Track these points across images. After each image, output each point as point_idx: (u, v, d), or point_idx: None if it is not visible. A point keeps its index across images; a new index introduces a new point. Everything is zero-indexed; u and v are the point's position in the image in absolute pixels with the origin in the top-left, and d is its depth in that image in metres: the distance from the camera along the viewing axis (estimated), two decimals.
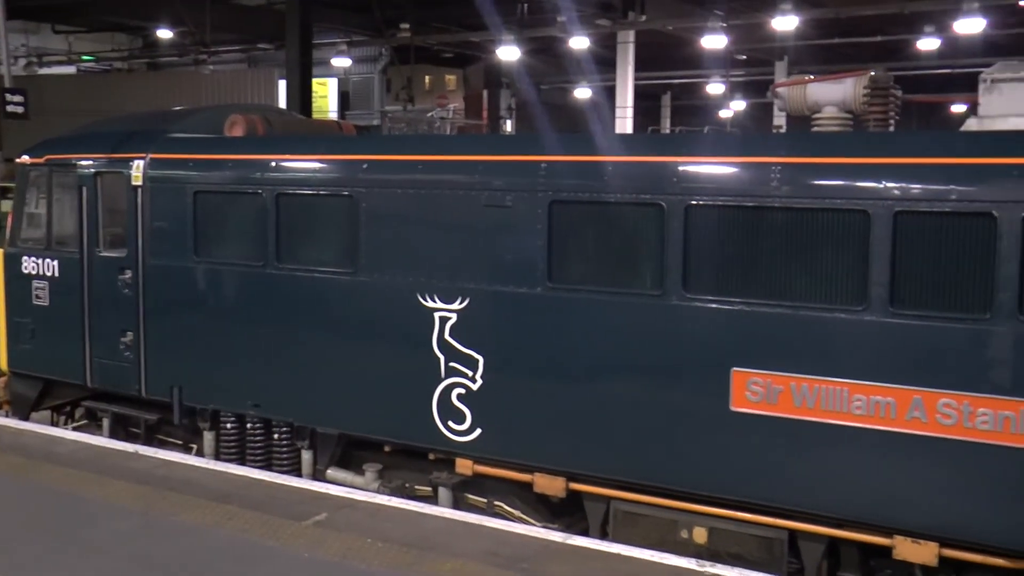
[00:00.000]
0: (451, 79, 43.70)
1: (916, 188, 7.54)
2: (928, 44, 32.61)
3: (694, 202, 8.27)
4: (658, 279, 8.45)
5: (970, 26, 25.31)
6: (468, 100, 44.34)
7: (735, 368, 8.10)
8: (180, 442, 11.81)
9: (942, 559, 7.62)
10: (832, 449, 7.82)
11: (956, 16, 25.59)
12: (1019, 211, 7.16)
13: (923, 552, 7.61)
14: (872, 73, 8.88)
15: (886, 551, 7.84)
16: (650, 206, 8.48)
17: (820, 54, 35.95)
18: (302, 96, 27.81)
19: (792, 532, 8.20)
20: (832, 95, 9.17)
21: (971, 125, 8.21)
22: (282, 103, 30.52)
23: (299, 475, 10.60)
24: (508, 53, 32.66)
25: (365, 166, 10.01)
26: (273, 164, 10.60)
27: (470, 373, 9.31)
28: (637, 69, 35.17)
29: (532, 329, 9.01)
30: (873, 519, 7.80)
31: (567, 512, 9.41)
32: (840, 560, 8.27)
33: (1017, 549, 7.35)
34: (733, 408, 8.12)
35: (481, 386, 9.26)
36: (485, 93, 44.56)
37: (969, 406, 7.34)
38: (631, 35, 33.72)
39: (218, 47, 34.30)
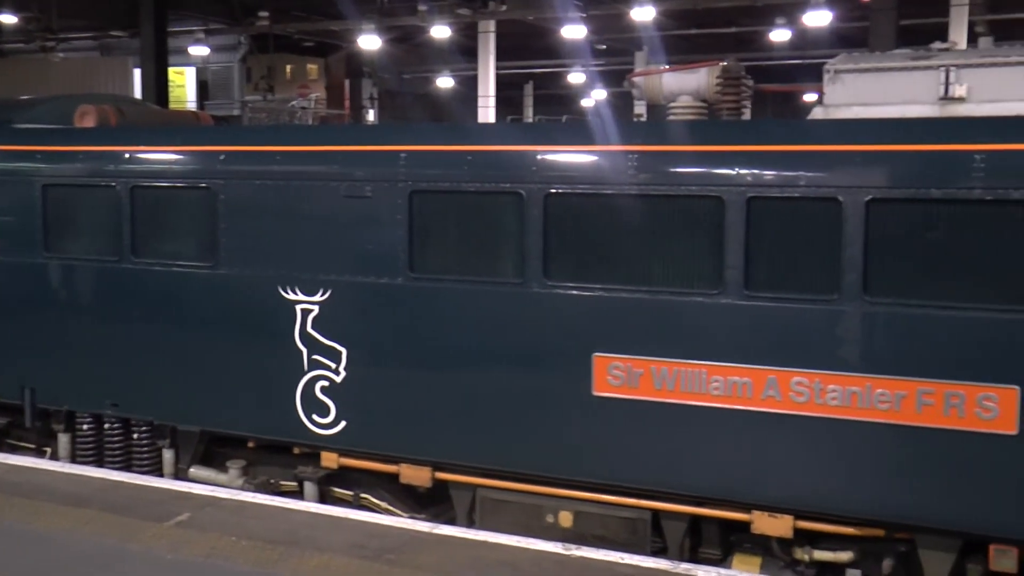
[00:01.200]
0: (313, 68, 43.03)
1: (767, 175, 7.78)
2: (780, 35, 33.62)
3: (553, 190, 8.36)
4: (519, 267, 8.52)
5: (818, 18, 26.24)
6: (330, 90, 43.77)
7: (596, 353, 8.23)
8: (33, 446, 11.36)
9: (797, 530, 7.91)
10: (692, 430, 8.03)
11: (805, 9, 26.50)
12: (863, 196, 7.46)
13: (779, 525, 7.90)
14: (724, 63, 9.11)
15: (745, 526, 8.10)
16: (510, 195, 8.53)
17: (678, 44, 36.70)
18: (158, 86, 27.01)
19: (655, 512, 8.40)
20: (686, 84, 9.37)
21: (817, 114, 8.50)
22: (137, 93, 29.56)
23: (160, 475, 10.32)
24: (369, 42, 32.37)
25: (223, 157, 9.79)
26: (127, 156, 10.26)
27: (333, 365, 9.22)
28: (499, 58, 35.33)
29: (394, 320, 8.97)
30: (733, 496, 8.04)
31: (434, 502, 9.42)
32: (701, 537, 8.51)
33: (866, 517, 7.70)
34: (595, 393, 8.26)
35: (345, 378, 9.18)
36: (347, 82, 44.07)
37: (820, 383, 7.63)
38: (492, 24, 33.83)
39: (67, 34, 32.95)
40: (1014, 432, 7.12)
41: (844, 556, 7.91)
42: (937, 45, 8.82)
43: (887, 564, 7.80)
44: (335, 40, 39.48)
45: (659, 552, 8.44)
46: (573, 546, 7.96)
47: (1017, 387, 7.11)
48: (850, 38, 33.14)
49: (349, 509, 9.02)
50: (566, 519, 8.65)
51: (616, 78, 47.07)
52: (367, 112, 44.55)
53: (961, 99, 8.07)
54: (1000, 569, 7.40)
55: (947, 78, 8.09)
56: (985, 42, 9.72)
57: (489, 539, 8.11)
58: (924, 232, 7.47)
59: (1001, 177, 7.16)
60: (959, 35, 25.16)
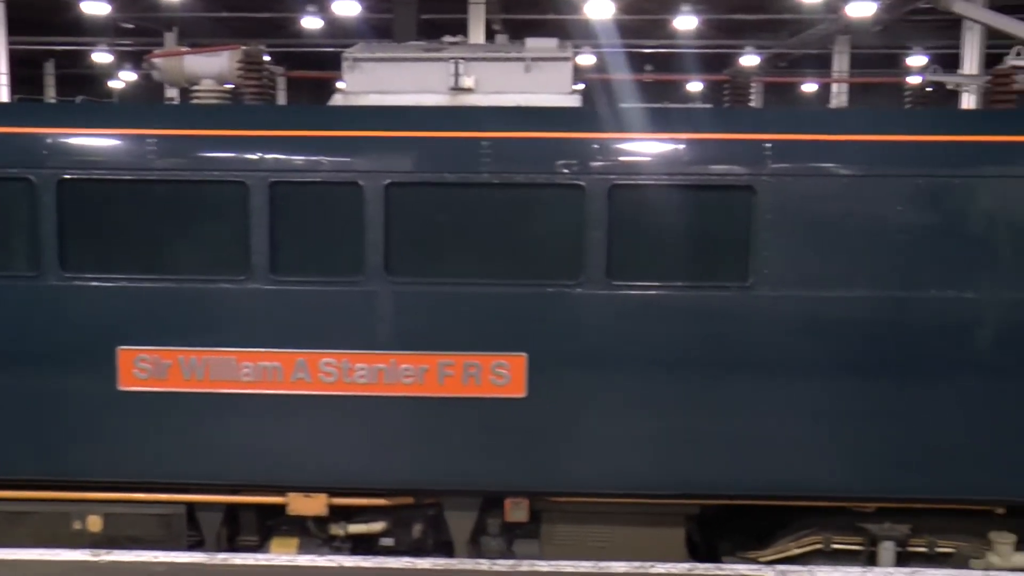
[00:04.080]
0: None
1: (289, 159, 7.85)
2: (311, 23, 33.95)
3: (67, 176, 7.85)
4: (34, 259, 7.92)
5: (347, 8, 26.82)
6: None
7: (120, 347, 7.86)
8: None
9: (332, 508, 8.11)
10: (225, 418, 7.94)
11: None
12: (382, 180, 7.76)
13: (314, 504, 8.05)
14: (245, 48, 9.03)
15: (282, 509, 8.16)
16: (20, 181, 7.89)
17: (215, 28, 35.83)
18: None
19: (190, 505, 8.21)
20: (209, 68, 9.18)
21: (337, 100, 8.70)
22: None
23: None
24: None
25: None
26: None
27: None
28: (12, 32, 32.32)
29: None
30: (270, 480, 8.07)
31: None
32: (240, 525, 8.44)
33: (398, 487, 8.07)
34: (121, 388, 7.89)
35: None
36: None
37: (348, 363, 7.86)
38: None
39: None
40: (523, 395, 7.80)
41: (377, 527, 8.24)
42: (448, 39, 9.36)
43: (417, 529, 8.25)
44: None
45: (196, 545, 8.27)
46: (103, 551, 7.57)
47: (525, 354, 7.79)
48: (381, 28, 34.24)
49: None
50: (95, 523, 8.18)
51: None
52: None
53: (470, 90, 8.64)
54: (514, 519, 8.10)
55: (457, 70, 8.62)
56: (501, 39, 10.47)
57: (7, 556, 7.47)
58: (440, 214, 7.93)
59: (505, 162, 7.78)
60: (477, 31, 26.86)
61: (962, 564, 7.98)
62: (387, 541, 8.27)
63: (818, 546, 8.11)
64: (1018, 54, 8.71)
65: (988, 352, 7.76)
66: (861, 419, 7.77)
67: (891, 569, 7.68)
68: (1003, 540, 7.96)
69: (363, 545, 8.32)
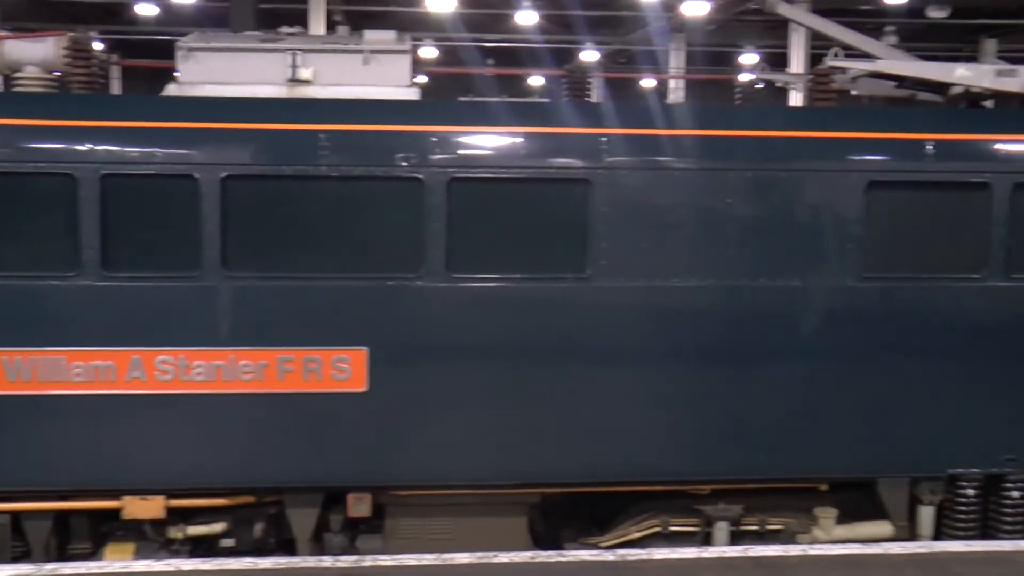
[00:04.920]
0: None
1: (121, 151, 7.60)
2: (146, 10, 32.81)
3: None
4: None
5: None
6: None
7: None
8: None
9: (170, 510, 7.90)
10: (56, 420, 7.63)
11: None
12: (218, 173, 7.58)
13: (150, 507, 7.83)
14: (71, 34, 8.68)
15: (118, 513, 7.90)
16: None
17: (39, 11, 34.21)
18: None
19: (15, 514, 7.85)
20: (33, 54, 8.76)
21: (171, 91, 8.46)
22: None
23: None
24: None
25: None
26: None
27: None
28: None
29: None
30: (105, 484, 7.79)
31: None
32: (72, 532, 8.13)
33: (238, 486, 7.92)
34: None
35: None
36: None
37: (186, 360, 7.66)
38: None
39: None
40: (365, 389, 7.76)
41: (218, 527, 8.07)
42: (285, 29, 9.21)
43: (258, 528, 8.12)
44: None
45: (23, 557, 7.91)
46: None
47: (366, 348, 7.75)
48: (218, 18, 33.37)
49: None
50: None
51: None
52: None
53: (308, 82, 8.53)
54: (357, 514, 8.06)
55: (294, 61, 8.49)
56: (343, 30, 10.33)
57: None
58: (279, 207, 7.81)
59: (344, 155, 7.72)
60: (318, 22, 26.48)
61: (790, 540, 8.36)
62: (228, 542, 8.11)
63: (656, 529, 8.37)
64: (836, 55, 9.14)
65: (811, 338, 8.15)
66: (696, 405, 8.05)
67: (725, 548, 7.97)
68: (826, 515, 8.42)
69: (203, 547, 8.13)
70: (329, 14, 27.34)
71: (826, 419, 8.16)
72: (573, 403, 7.95)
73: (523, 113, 8.25)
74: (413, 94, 8.45)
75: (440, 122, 7.89)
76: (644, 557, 7.51)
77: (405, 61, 8.54)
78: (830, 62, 9.11)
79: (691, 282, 7.94)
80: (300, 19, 23.33)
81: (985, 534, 8.50)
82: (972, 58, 10.08)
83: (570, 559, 7.51)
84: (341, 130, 7.77)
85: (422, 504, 8.19)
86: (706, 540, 8.39)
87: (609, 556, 7.54)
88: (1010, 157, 8.32)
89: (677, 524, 8.40)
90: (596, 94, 10.78)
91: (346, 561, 7.39)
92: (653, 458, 8.11)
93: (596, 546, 8.22)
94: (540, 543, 8.47)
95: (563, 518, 8.64)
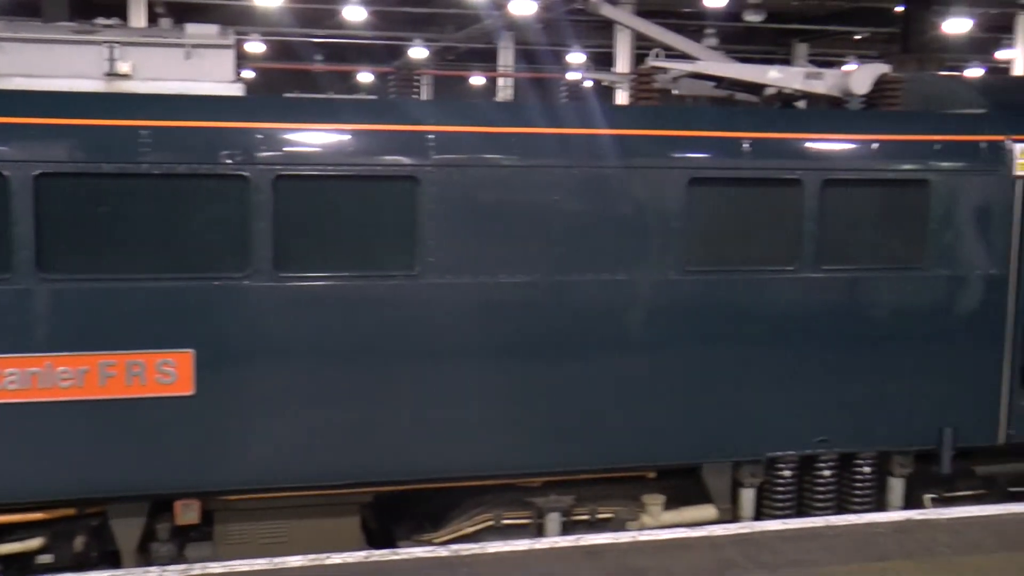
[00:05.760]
0: None
1: None
2: None
3: None
4: None
5: None
6: None
7: None
8: None
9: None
10: None
11: None
12: (31, 171, 7.24)
13: None
14: None
15: None
16: None
17: None
18: None
19: None
20: None
21: None
22: None
23: None
24: None
25: None
26: None
27: None
28: None
29: None
30: None
31: None
32: None
33: (57, 499, 7.59)
34: None
35: None
36: None
37: None
38: None
39: None
40: (191, 393, 7.56)
41: (34, 543, 7.69)
42: (102, 21, 8.89)
43: (79, 541, 7.78)
44: None
45: None
46: None
47: (192, 350, 7.55)
48: (29, 6, 31.83)
49: None
50: None
51: None
52: None
53: (127, 76, 8.26)
54: (186, 522, 7.84)
55: (112, 54, 8.21)
56: (165, 23, 10.04)
57: None
58: (98, 206, 7.52)
59: (166, 152, 7.49)
60: (139, 14, 25.63)
61: (620, 527, 8.60)
62: (46, 558, 7.73)
63: (489, 523, 8.47)
64: (657, 56, 9.44)
65: (637, 330, 8.39)
66: (525, 399, 8.17)
67: (557, 538, 8.12)
68: (654, 502, 8.71)
69: (17, 565, 7.75)
70: (151, 6, 26.47)
71: (652, 409, 8.42)
72: (404, 401, 7.95)
73: (351, 110, 8.19)
74: (237, 89, 8.28)
75: (265, 119, 7.74)
76: (477, 551, 7.58)
77: (229, 56, 8.38)
78: (652, 62, 9.41)
79: (518, 278, 8.06)
80: (120, 11, 22.53)
81: (800, 512, 8.96)
82: (786, 61, 10.58)
83: (404, 556, 7.51)
84: (163, 126, 7.53)
85: (252, 508, 8.04)
86: (539, 531, 8.54)
87: (443, 552, 7.58)
88: (819, 155, 8.77)
89: (510, 517, 8.51)
90: (424, 91, 10.81)
91: (173, 571, 7.18)
92: (484, 453, 8.19)
93: (430, 543, 8.25)
94: (374, 542, 8.45)
95: (396, 516, 8.64)
